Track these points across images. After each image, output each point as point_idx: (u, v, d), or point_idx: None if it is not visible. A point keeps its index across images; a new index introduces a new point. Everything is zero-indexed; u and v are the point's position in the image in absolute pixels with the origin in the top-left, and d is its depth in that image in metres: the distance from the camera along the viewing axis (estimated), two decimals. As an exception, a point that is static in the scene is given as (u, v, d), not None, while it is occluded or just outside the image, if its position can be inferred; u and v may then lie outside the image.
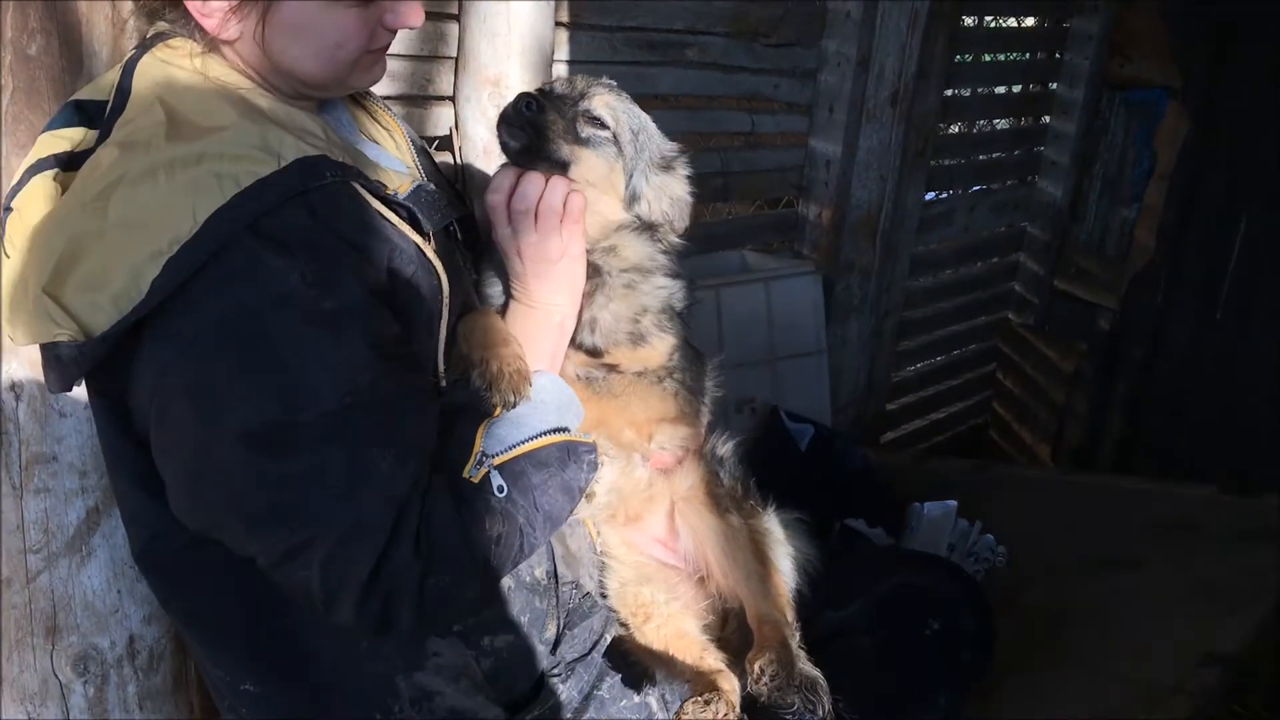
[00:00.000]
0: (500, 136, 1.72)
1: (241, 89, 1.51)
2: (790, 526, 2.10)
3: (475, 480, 1.47)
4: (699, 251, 3.89)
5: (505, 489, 1.48)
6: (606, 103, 1.79)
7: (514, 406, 1.57)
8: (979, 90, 5.17)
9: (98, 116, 1.50)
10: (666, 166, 1.85)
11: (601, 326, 1.78)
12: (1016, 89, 5.42)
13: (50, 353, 1.38)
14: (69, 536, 2.04)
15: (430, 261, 1.55)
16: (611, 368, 1.83)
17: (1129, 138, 5.28)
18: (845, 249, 4.27)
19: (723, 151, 3.88)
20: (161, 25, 1.57)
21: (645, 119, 1.85)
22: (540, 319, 1.71)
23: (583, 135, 1.75)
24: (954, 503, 3.14)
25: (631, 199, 1.81)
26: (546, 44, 2.84)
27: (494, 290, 1.80)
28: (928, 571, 2.23)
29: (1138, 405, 5.24)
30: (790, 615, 1.99)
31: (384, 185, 1.54)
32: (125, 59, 1.54)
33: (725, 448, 2.11)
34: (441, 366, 1.60)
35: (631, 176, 1.80)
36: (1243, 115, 4.74)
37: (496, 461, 1.50)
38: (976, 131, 5.43)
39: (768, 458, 3.27)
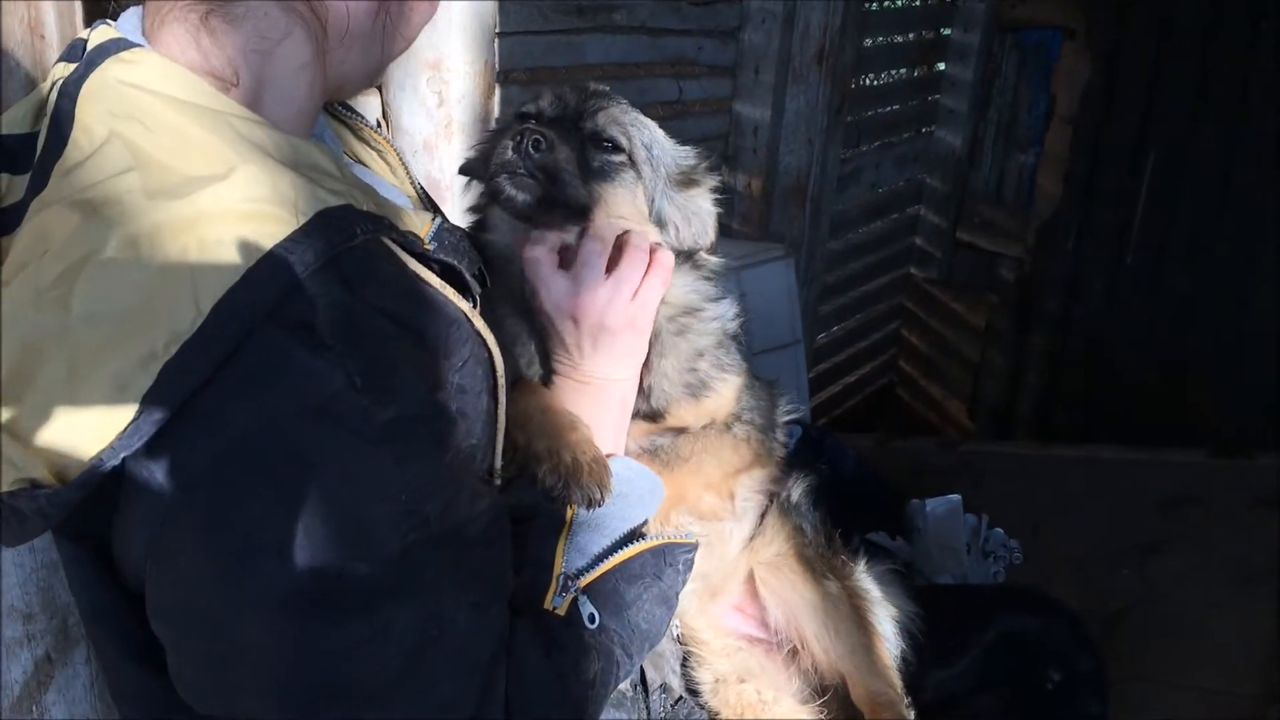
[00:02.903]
0: (502, 190, 1.33)
1: (231, 114, 1.06)
2: (885, 580, 1.81)
3: (562, 612, 1.21)
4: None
5: (597, 617, 1.23)
6: (614, 118, 1.40)
7: (600, 504, 1.27)
8: (882, 39, 4.93)
9: (21, 154, 1.11)
10: (687, 180, 1.47)
11: (659, 388, 1.46)
12: (912, 36, 5.22)
13: (5, 503, 0.92)
14: (15, 696, 1.64)
15: (479, 332, 1.20)
16: (679, 430, 1.50)
17: (1023, 81, 5.16)
18: (775, 219, 3.99)
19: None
20: (105, 30, 1.11)
21: (654, 128, 1.47)
22: (597, 396, 1.39)
23: (594, 165, 1.37)
24: (958, 497, 2.90)
25: (658, 225, 1.44)
26: (489, 17, 2.40)
27: (522, 360, 1.41)
28: (1029, 613, 1.96)
29: (1055, 358, 5.15)
30: (900, 687, 1.72)
31: (416, 237, 1.16)
32: (59, 79, 1.10)
33: (798, 491, 1.79)
34: (499, 463, 1.26)
35: (654, 201, 1.43)
36: (1149, 55, 4.66)
37: (583, 584, 1.24)
38: (881, 83, 5.20)
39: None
